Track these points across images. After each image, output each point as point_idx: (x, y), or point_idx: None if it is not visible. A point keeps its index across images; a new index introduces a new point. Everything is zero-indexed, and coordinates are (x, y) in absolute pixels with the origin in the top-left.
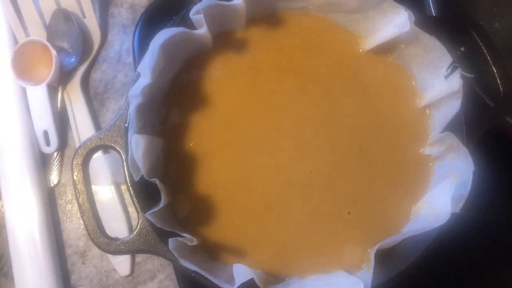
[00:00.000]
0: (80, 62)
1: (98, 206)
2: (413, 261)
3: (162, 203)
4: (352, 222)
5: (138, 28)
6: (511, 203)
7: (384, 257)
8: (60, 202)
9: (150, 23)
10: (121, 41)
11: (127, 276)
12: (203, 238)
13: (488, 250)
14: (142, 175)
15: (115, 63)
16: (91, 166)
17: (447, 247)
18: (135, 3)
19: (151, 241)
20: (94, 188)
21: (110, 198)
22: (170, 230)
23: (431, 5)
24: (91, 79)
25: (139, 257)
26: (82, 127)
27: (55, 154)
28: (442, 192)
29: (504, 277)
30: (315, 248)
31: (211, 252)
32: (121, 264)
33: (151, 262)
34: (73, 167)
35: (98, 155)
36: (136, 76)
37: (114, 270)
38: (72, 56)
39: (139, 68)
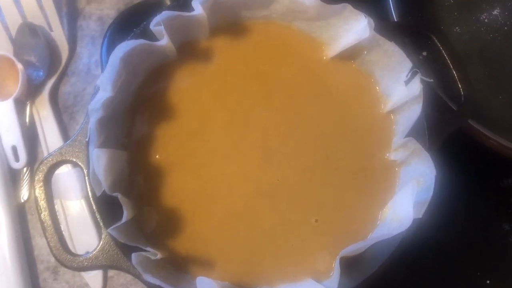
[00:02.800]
0: (48, 75)
1: (69, 220)
2: (378, 268)
3: (124, 218)
4: (320, 229)
5: (106, 40)
6: (475, 206)
7: (352, 264)
8: (31, 218)
9: (118, 34)
10: (90, 53)
11: None
12: (170, 251)
13: (457, 253)
14: (105, 190)
15: (84, 76)
16: (61, 180)
17: (412, 252)
18: (104, 14)
19: (114, 257)
20: (64, 202)
21: (81, 212)
22: (134, 244)
23: (393, 11)
24: (60, 92)
25: (112, 271)
26: (52, 141)
27: (25, 169)
28: (405, 198)
29: (476, 280)
30: (283, 256)
31: (179, 265)
32: (94, 279)
33: (124, 276)
34: (35, 184)
35: (67, 169)
36: (96, 89)
37: (87, 285)
38: (39, 70)
39: (99, 82)
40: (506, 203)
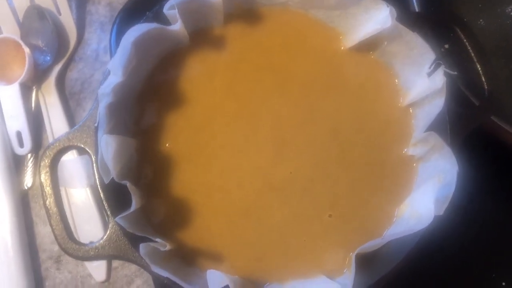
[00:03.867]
0: (55, 60)
1: (73, 209)
2: (396, 265)
3: (133, 207)
4: (333, 225)
5: (115, 26)
6: (496, 204)
7: (367, 261)
8: (34, 205)
9: (128, 20)
10: (99, 39)
11: (103, 282)
12: (178, 243)
13: (474, 253)
14: (113, 178)
15: (92, 62)
16: (66, 168)
17: (430, 250)
18: (113, 0)
19: (121, 247)
20: (69, 190)
21: (86, 201)
22: (142, 235)
23: (414, 1)
24: (67, 78)
25: (116, 262)
26: (57, 127)
27: (29, 155)
28: (425, 194)
29: (491, 281)
30: (295, 252)
31: (187, 257)
32: (97, 269)
33: (128, 267)
34: (40, 169)
35: (73, 157)
36: (106, 74)
37: (90, 275)
38: (47, 54)
39: (110, 66)
40: None
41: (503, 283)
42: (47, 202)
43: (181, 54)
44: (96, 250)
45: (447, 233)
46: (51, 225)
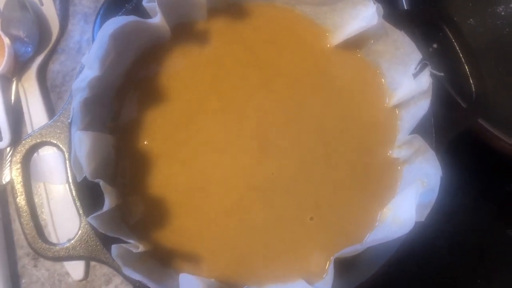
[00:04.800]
0: (37, 52)
1: (52, 205)
2: (375, 272)
3: (106, 206)
4: (315, 228)
5: (99, 17)
6: (478, 210)
7: (347, 266)
8: (12, 201)
9: (113, 12)
10: (82, 30)
11: (81, 280)
12: (155, 244)
13: (457, 259)
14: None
15: (74, 54)
16: (46, 162)
17: (411, 257)
18: None
19: (93, 247)
20: (48, 186)
21: (66, 197)
22: (114, 235)
23: None
24: (48, 70)
25: None
26: (37, 121)
27: (8, 149)
28: (407, 199)
29: (475, 286)
30: (275, 255)
31: (163, 259)
32: (75, 267)
33: (107, 266)
34: (11, 166)
35: (53, 151)
36: (81, 67)
37: (68, 273)
38: (28, 45)
39: (84, 60)
40: (511, 208)
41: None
42: (18, 200)
43: (163, 48)
44: (67, 251)
45: (430, 238)
46: (21, 224)
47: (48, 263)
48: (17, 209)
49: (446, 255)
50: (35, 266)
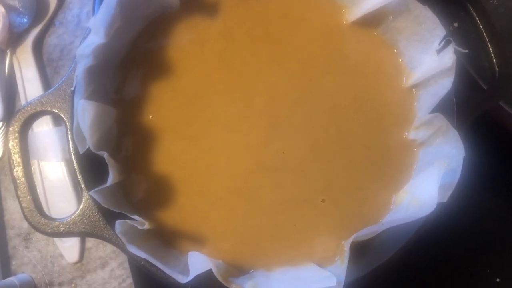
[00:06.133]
0: (33, 23)
1: (46, 184)
2: (392, 256)
3: (110, 181)
4: (326, 210)
5: None
6: (501, 194)
7: (360, 250)
8: (4, 178)
9: None
10: (81, 3)
11: (75, 263)
12: (159, 223)
13: (470, 246)
14: (89, 147)
15: (73, 28)
16: (40, 139)
17: (430, 241)
18: None
19: (95, 223)
20: (42, 164)
21: (60, 176)
22: (119, 211)
23: None
24: (45, 43)
25: (90, 243)
26: (32, 95)
27: (0, 124)
28: (427, 180)
29: (486, 277)
30: (284, 238)
31: (167, 238)
32: (69, 249)
33: (103, 248)
34: (9, 135)
35: (48, 128)
36: (87, 32)
37: (61, 255)
38: (23, 16)
39: (91, 24)
40: None
41: (497, 279)
42: (15, 171)
43: (171, 19)
44: (67, 226)
45: (446, 223)
46: (17, 197)
47: (40, 244)
48: (14, 181)
49: (460, 242)
50: (27, 247)
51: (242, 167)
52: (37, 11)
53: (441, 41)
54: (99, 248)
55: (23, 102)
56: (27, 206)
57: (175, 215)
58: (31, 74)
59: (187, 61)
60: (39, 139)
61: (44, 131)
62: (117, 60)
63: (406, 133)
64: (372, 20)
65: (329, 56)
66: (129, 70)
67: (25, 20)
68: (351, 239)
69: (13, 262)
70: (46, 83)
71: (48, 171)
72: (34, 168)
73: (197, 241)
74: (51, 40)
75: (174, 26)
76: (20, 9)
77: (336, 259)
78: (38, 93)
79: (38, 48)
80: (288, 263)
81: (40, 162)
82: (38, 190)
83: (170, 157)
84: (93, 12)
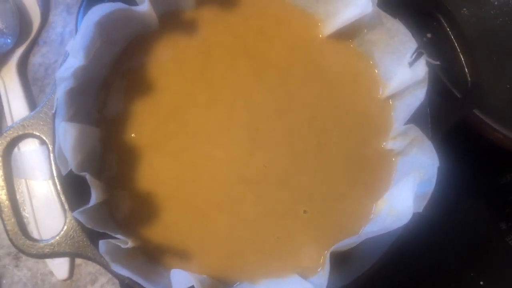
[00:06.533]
0: (17, 44)
1: (34, 203)
2: (372, 265)
3: (93, 201)
4: (309, 221)
5: (82, 8)
6: (471, 203)
7: (342, 260)
8: None
9: (95, 2)
10: (64, 22)
11: (65, 280)
12: (143, 240)
13: (452, 252)
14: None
15: (57, 46)
16: (27, 158)
17: (408, 250)
18: None
19: (79, 243)
20: (30, 183)
21: (48, 194)
22: (103, 231)
23: None
24: (29, 63)
25: (79, 259)
26: (18, 115)
27: None
28: (403, 190)
29: (470, 281)
30: (268, 250)
31: (152, 255)
32: (59, 266)
33: (92, 265)
34: None
35: (34, 146)
36: (65, 56)
37: (51, 273)
38: (7, 37)
39: (69, 47)
40: (504, 201)
41: (481, 282)
42: None
43: (150, 38)
44: (52, 247)
45: (425, 230)
46: (2, 220)
47: (30, 263)
48: None
49: (440, 248)
50: (17, 266)
51: (224, 181)
52: (21, 31)
53: (413, 54)
54: (89, 264)
55: (9, 122)
56: (11, 229)
57: (159, 231)
58: (16, 93)
59: (168, 78)
60: (25, 158)
61: (30, 149)
62: (98, 81)
63: (384, 143)
64: (348, 33)
65: (307, 69)
66: (111, 90)
67: (9, 40)
68: (331, 250)
69: (4, 281)
70: (32, 102)
71: (36, 190)
72: (22, 187)
73: (182, 256)
74: (36, 59)
75: (154, 44)
76: (4, 30)
77: (319, 270)
78: (24, 112)
79: (23, 68)
80: (273, 275)
81: (27, 180)
82: (26, 209)
83: (153, 173)
84: (76, 30)
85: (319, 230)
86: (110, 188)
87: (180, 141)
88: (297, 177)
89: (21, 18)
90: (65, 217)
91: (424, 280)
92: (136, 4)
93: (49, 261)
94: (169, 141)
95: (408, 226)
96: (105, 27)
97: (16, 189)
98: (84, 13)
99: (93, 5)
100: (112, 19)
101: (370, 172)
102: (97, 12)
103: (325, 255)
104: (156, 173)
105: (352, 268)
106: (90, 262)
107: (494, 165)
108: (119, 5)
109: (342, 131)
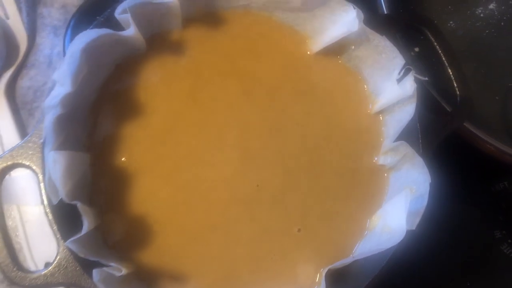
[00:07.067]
0: (4, 67)
1: (27, 228)
2: (369, 282)
3: (85, 229)
4: (303, 239)
5: (69, 30)
6: (465, 212)
7: (337, 278)
8: None
9: (83, 24)
10: (52, 44)
11: None
12: (137, 265)
13: (447, 263)
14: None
15: (45, 69)
16: (19, 184)
17: (403, 266)
18: (67, 2)
19: (73, 273)
20: (22, 208)
21: (41, 219)
22: (95, 259)
23: (383, 3)
24: (18, 86)
25: None
26: (8, 140)
27: None
28: (396, 207)
29: None
30: (263, 269)
31: (148, 279)
32: None
33: None
34: None
35: (26, 172)
36: (53, 84)
37: None
38: None
39: (55, 76)
40: (497, 209)
41: None
42: None
43: (138, 60)
44: (45, 278)
45: (419, 242)
46: None
47: None
48: None
49: (436, 258)
50: None
51: (217, 202)
52: (8, 55)
53: (401, 70)
54: None
55: None
56: (3, 261)
57: (153, 255)
58: (5, 118)
59: (157, 100)
60: (17, 183)
61: (21, 175)
62: (86, 106)
63: (375, 158)
64: (336, 50)
65: (296, 86)
66: (100, 114)
67: None
68: (327, 269)
69: None
70: (21, 126)
71: (29, 215)
72: (14, 213)
73: (177, 280)
74: (24, 82)
75: (142, 66)
76: None
77: None
78: (14, 137)
79: (11, 92)
80: None
81: (19, 206)
82: (19, 235)
83: (145, 197)
84: (64, 52)
85: (313, 248)
86: (102, 213)
87: (171, 163)
88: (290, 195)
89: (8, 41)
90: (58, 247)
91: None
92: (122, 28)
93: None
94: (160, 163)
95: (403, 242)
96: (91, 53)
97: (8, 214)
98: (71, 35)
99: (81, 26)
100: (98, 44)
101: (363, 188)
102: (82, 39)
103: (321, 273)
104: (148, 196)
105: (348, 285)
106: None
107: (486, 174)
108: (104, 31)
109: (334, 147)
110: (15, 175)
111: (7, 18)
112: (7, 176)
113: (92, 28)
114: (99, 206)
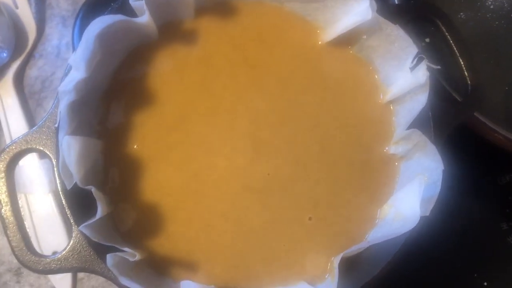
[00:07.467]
0: (13, 57)
1: (34, 218)
2: (381, 270)
3: (99, 214)
4: (314, 228)
5: (78, 20)
6: (478, 202)
7: (349, 266)
8: None
9: (92, 14)
10: (60, 34)
11: None
12: (150, 252)
13: (456, 253)
14: (76, 183)
15: (53, 59)
16: (26, 173)
17: (416, 253)
18: None
19: (86, 258)
20: (29, 197)
21: (48, 208)
22: (109, 244)
23: None
24: (26, 76)
25: (82, 273)
26: (16, 130)
27: None
28: (409, 194)
29: (473, 282)
30: (274, 258)
31: (159, 267)
32: (61, 281)
33: (95, 278)
34: None
35: (33, 161)
36: (67, 69)
37: None
38: (3, 51)
39: (71, 61)
40: (505, 201)
41: (485, 283)
42: (3, 211)
43: (150, 48)
44: (59, 263)
45: (431, 233)
46: (7, 236)
47: (32, 278)
48: (2, 220)
49: (443, 250)
50: (18, 282)
51: (229, 190)
52: (16, 45)
53: (413, 59)
54: (91, 278)
55: (6, 136)
56: (17, 246)
57: (165, 243)
58: (13, 108)
59: (169, 89)
60: (24, 172)
61: (29, 164)
62: (99, 92)
63: (386, 148)
64: (347, 40)
65: (307, 76)
66: (112, 101)
67: (4, 54)
68: (339, 257)
69: None
70: (29, 116)
71: (36, 204)
72: (22, 202)
73: (189, 267)
74: (32, 72)
75: (154, 55)
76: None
77: (326, 276)
78: (22, 126)
79: (19, 82)
80: (280, 283)
81: (27, 195)
82: (26, 224)
83: (157, 185)
84: (73, 42)
85: (324, 237)
86: (114, 201)
87: (183, 151)
88: (301, 184)
89: (17, 31)
90: (71, 232)
91: (428, 281)
92: (135, 15)
93: (51, 276)
94: (171, 151)
95: (416, 229)
96: (105, 39)
97: None
98: (80, 25)
99: (89, 17)
100: (112, 30)
101: (374, 177)
102: (97, 24)
103: (332, 262)
104: (159, 184)
105: (360, 273)
106: (92, 276)
107: (494, 165)
108: (119, 17)
109: (344, 137)
110: (22, 164)
111: (16, 8)
112: None
113: (107, 14)
114: (111, 193)
